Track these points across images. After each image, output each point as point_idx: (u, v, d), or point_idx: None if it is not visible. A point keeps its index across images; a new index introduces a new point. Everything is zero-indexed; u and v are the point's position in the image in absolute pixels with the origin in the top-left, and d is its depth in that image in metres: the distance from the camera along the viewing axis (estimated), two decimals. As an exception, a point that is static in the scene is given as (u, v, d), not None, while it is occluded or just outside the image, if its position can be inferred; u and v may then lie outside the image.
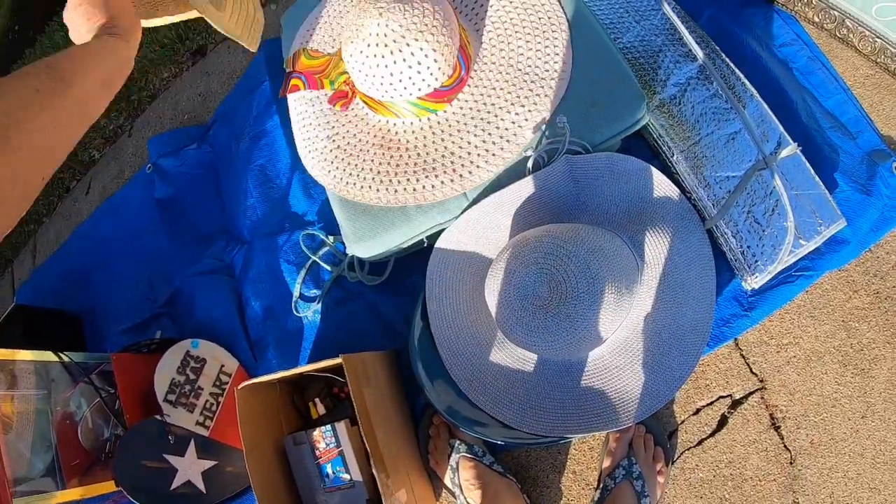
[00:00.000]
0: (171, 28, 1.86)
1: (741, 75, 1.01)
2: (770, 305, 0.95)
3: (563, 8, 0.99)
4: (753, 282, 0.92)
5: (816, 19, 1.11)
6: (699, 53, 1.02)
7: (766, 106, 0.99)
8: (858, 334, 0.95)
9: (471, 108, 0.96)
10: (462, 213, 0.95)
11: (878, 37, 1.06)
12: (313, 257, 1.21)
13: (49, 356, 1.15)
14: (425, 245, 1.02)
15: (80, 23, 0.66)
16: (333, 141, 1.02)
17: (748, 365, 0.97)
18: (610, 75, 0.93)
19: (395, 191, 0.96)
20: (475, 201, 0.94)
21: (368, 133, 1.00)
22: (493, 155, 0.93)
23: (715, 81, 1.00)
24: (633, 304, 0.84)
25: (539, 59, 0.96)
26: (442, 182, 0.94)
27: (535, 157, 0.92)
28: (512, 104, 0.94)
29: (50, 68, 0.55)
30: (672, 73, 1.02)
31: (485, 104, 0.96)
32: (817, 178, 0.95)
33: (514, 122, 0.93)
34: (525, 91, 0.94)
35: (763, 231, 0.92)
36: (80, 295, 1.54)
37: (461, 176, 0.94)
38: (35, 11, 2.92)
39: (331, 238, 1.21)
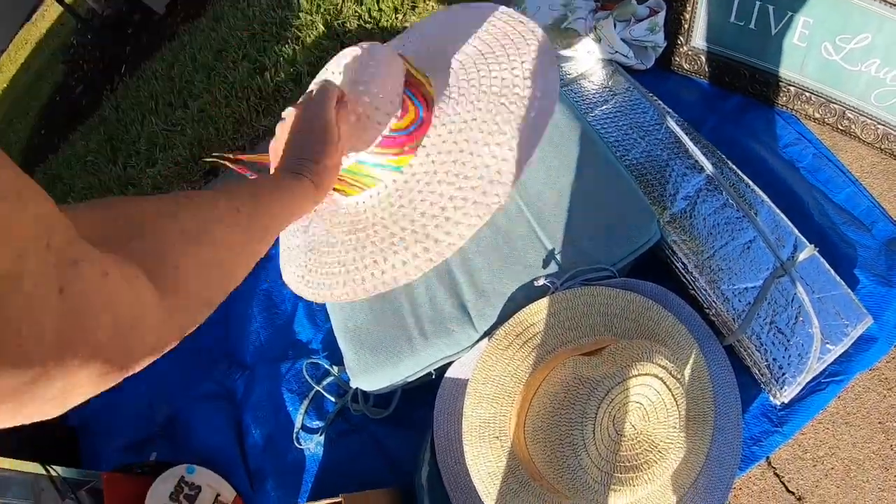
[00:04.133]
0: (185, 146, 1.91)
1: (750, 182, 1.01)
2: (802, 418, 0.92)
3: (540, 39, 0.84)
4: (782, 395, 0.89)
5: (817, 115, 1.12)
6: (706, 164, 1.02)
7: (777, 210, 0.98)
8: (898, 434, 0.91)
9: (439, 153, 0.78)
10: (472, 344, 0.93)
11: (880, 123, 1.07)
12: (317, 387, 1.18)
13: (37, 468, 1.12)
14: (433, 377, 0.99)
15: (287, 153, 0.67)
16: (308, 244, 0.88)
17: (783, 483, 0.92)
18: (619, 195, 0.93)
19: (362, 279, 0.79)
20: (486, 333, 0.92)
21: (340, 223, 0.85)
22: (474, 203, 0.74)
23: (724, 191, 1.00)
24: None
25: (517, 76, 0.80)
26: (414, 254, 0.76)
27: (554, 287, 0.90)
28: (489, 133, 0.75)
29: (253, 197, 0.57)
30: (680, 186, 1.02)
31: (455, 143, 0.77)
32: (838, 278, 0.93)
33: (494, 157, 0.74)
34: (504, 115, 0.76)
35: (788, 341, 0.90)
36: (78, 408, 1.51)
37: (436, 240, 0.75)
38: (60, 118, 3.04)
39: (335, 368, 1.18)
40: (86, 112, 2.82)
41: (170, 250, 0.43)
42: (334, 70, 0.77)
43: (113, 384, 0.36)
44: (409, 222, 0.77)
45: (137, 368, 0.39)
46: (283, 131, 0.70)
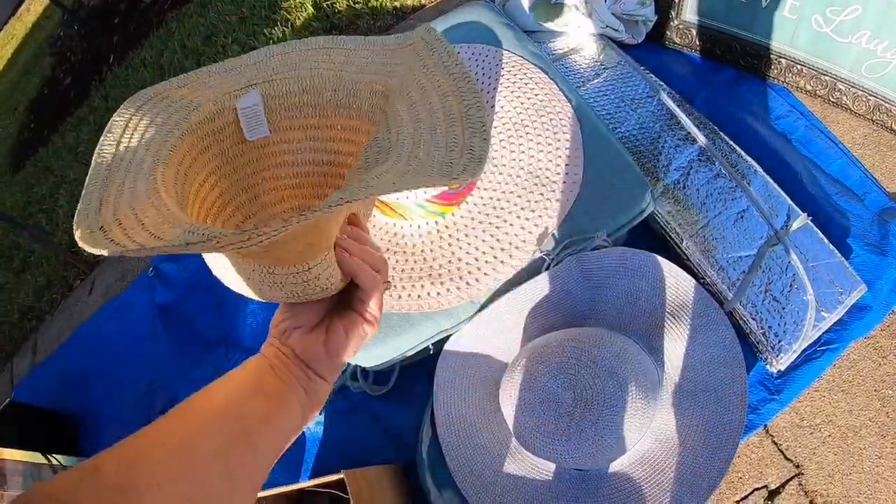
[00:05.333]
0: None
1: (742, 152, 1.01)
2: (798, 386, 0.92)
3: (573, 109, 0.98)
4: (779, 363, 0.89)
5: (809, 87, 1.12)
6: (699, 135, 1.02)
7: (770, 180, 0.98)
8: (893, 401, 0.91)
9: (479, 212, 0.94)
10: (470, 317, 0.93)
11: (871, 95, 1.07)
12: (315, 367, 1.17)
13: (38, 458, 1.11)
14: (431, 352, 0.99)
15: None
16: None
17: (781, 451, 0.93)
18: (612, 166, 0.93)
19: (399, 296, 0.94)
20: (484, 306, 0.92)
21: (375, 236, 0.99)
22: (502, 262, 0.91)
23: (717, 161, 1.00)
24: (657, 410, 0.81)
25: (550, 161, 0.94)
26: (448, 289, 0.92)
27: (549, 260, 0.90)
28: (522, 209, 0.92)
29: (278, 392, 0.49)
30: (673, 157, 1.02)
31: (493, 208, 0.94)
32: (832, 247, 0.94)
33: (523, 228, 0.91)
34: (535, 195, 0.92)
35: (783, 308, 0.90)
36: (78, 397, 1.51)
37: (468, 283, 0.91)
38: (50, 111, 3.01)
39: (333, 346, 1.18)
40: (75, 104, 2.79)
41: None
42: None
43: None
44: (447, 262, 0.92)
45: None
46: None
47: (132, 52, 2.53)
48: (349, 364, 1.08)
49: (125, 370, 1.48)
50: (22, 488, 1.07)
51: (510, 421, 0.81)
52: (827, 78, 1.10)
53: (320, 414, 1.14)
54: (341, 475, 0.84)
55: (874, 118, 1.08)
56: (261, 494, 0.92)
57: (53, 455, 1.12)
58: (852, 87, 1.08)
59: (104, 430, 1.43)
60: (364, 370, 1.08)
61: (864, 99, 1.08)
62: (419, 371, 1.06)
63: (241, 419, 0.45)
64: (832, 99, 1.11)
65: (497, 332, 0.92)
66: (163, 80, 0.57)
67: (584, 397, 0.75)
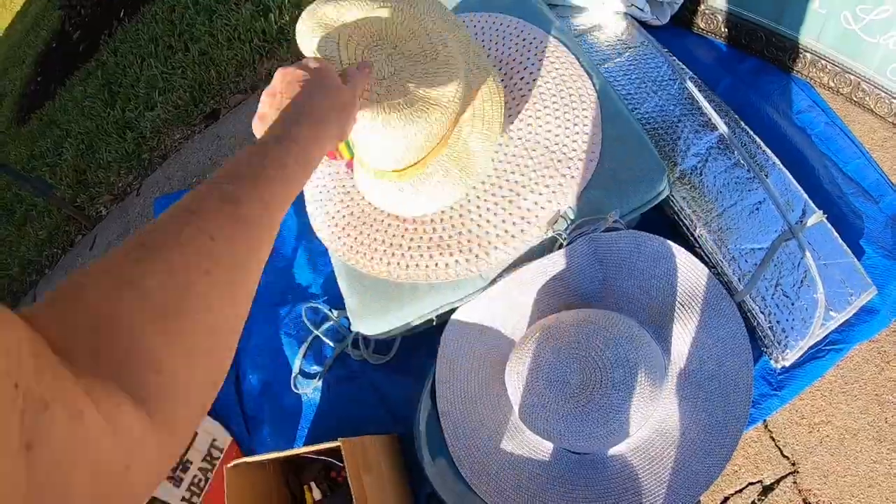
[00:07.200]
0: (185, 89, 1.88)
1: (762, 144, 0.99)
2: (800, 383, 0.91)
3: (594, 87, 0.96)
4: (784, 359, 0.88)
5: (832, 84, 1.10)
6: (719, 123, 1.00)
7: (788, 174, 0.96)
8: (893, 407, 0.90)
9: (492, 185, 0.92)
10: (476, 290, 0.91)
11: (894, 98, 1.05)
12: (316, 332, 1.17)
13: None
14: (434, 324, 0.97)
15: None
16: (347, 207, 0.98)
17: (779, 448, 0.92)
18: (629, 147, 0.91)
19: (407, 266, 0.92)
20: (493, 281, 0.90)
21: (381, 203, 0.97)
22: (513, 237, 0.89)
23: (736, 151, 0.98)
24: (661, 399, 0.80)
25: (568, 136, 0.92)
26: (457, 261, 0.90)
27: (562, 239, 0.88)
28: (536, 183, 0.90)
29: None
30: (692, 143, 1.00)
31: (507, 181, 0.91)
32: (845, 247, 0.92)
33: (536, 203, 0.89)
34: (551, 171, 0.90)
35: (792, 304, 0.89)
36: None
37: (477, 256, 0.89)
38: (57, 65, 2.98)
39: (335, 313, 1.16)
40: (83, 58, 2.75)
41: (143, 348, 0.33)
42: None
43: None
44: (457, 233, 0.91)
45: None
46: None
47: (143, 7, 2.50)
48: (351, 331, 1.07)
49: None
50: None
51: (514, 398, 0.80)
52: (851, 76, 1.08)
53: (318, 380, 1.14)
54: (338, 443, 0.83)
55: (895, 122, 1.07)
56: (254, 459, 0.91)
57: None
58: (876, 87, 1.06)
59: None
60: (365, 338, 1.06)
61: (888, 101, 1.06)
62: (420, 343, 1.05)
63: None
64: (855, 98, 1.09)
65: (505, 309, 0.90)
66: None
67: (592, 380, 0.74)
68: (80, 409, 0.27)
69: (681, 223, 0.97)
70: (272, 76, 0.61)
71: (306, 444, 0.91)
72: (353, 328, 0.99)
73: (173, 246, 0.37)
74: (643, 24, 1.21)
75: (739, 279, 0.91)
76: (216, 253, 0.39)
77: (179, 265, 0.36)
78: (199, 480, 1.08)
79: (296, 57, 1.73)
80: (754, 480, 0.91)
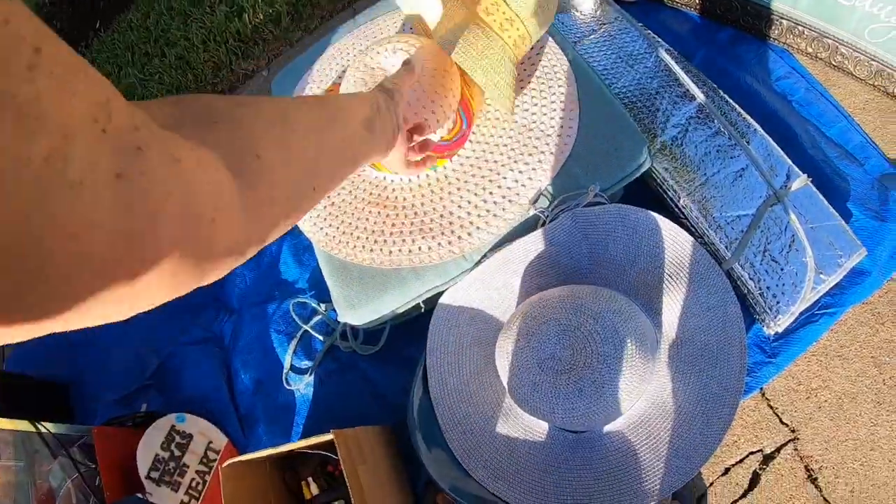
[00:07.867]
0: (163, 94, 1.85)
1: (742, 111, 0.98)
2: (795, 349, 0.90)
3: (569, 62, 0.96)
4: (776, 325, 0.87)
5: (810, 50, 1.09)
6: (697, 92, 0.99)
7: (770, 140, 0.95)
8: (890, 369, 0.90)
9: (472, 165, 0.92)
10: (462, 273, 0.90)
11: (873, 59, 1.04)
12: (305, 326, 1.16)
13: (26, 426, 1.08)
14: (422, 310, 0.96)
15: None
16: (328, 198, 0.98)
17: (777, 415, 0.91)
18: (608, 121, 0.90)
19: (390, 251, 0.91)
20: (478, 263, 0.89)
21: (364, 190, 0.96)
22: (495, 216, 0.88)
23: (716, 119, 0.97)
24: (654, 372, 0.78)
25: (545, 114, 0.92)
26: (439, 244, 0.89)
27: (545, 216, 0.87)
28: (515, 161, 0.90)
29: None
30: (671, 114, 0.99)
31: (486, 161, 0.91)
32: (832, 209, 0.91)
33: (516, 181, 0.89)
34: (529, 148, 0.90)
35: (782, 269, 0.88)
36: (69, 362, 1.48)
37: (459, 238, 0.89)
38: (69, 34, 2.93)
39: (322, 306, 1.16)
40: (60, 72, 2.72)
41: (250, 137, 0.37)
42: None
43: (187, 289, 0.30)
44: (438, 216, 0.90)
45: (215, 273, 0.33)
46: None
47: (118, 16, 2.47)
48: (339, 323, 1.05)
49: (113, 336, 1.45)
50: (13, 459, 1.04)
51: (506, 379, 0.79)
52: (829, 41, 1.07)
53: (310, 375, 1.13)
54: (330, 435, 0.82)
55: (876, 83, 1.06)
56: (249, 457, 0.90)
57: (41, 423, 1.09)
58: (855, 50, 1.05)
59: (98, 394, 1.39)
60: (354, 329, 1.05)
61: (867, 63, 1.05)
62: (409, 331, 1.04)
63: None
64: (834, 62, 1.09)
65: (492, 290, 0.89)
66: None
67: (583, 355, 0.72)
68: (176, 157, 0.28)
69: (665, 195, 0.96)
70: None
71: (301, 439, 0.90)
72: (341, 319, 0.98)
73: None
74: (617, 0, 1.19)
75: (727, 247, 0.89)
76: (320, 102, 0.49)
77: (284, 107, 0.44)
78: (197, 484, 1.08)
79: (271, 56, 1.71)
80: (755, 450, 0.90)
